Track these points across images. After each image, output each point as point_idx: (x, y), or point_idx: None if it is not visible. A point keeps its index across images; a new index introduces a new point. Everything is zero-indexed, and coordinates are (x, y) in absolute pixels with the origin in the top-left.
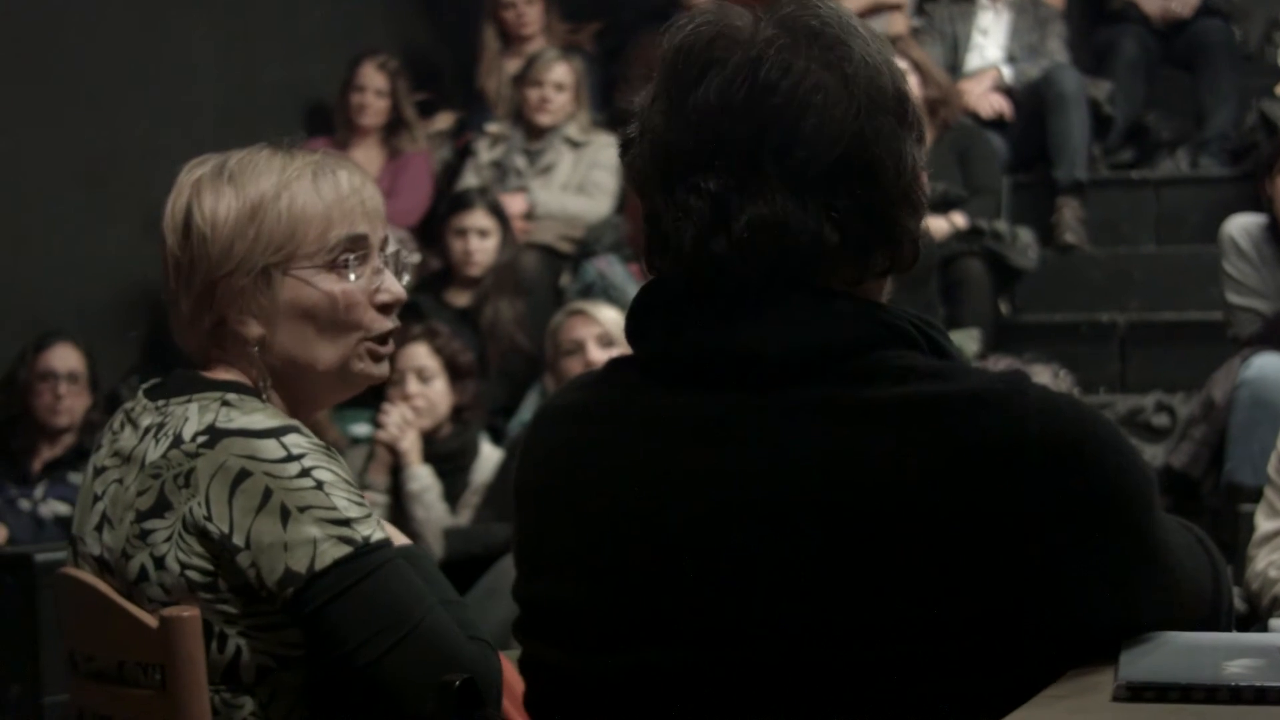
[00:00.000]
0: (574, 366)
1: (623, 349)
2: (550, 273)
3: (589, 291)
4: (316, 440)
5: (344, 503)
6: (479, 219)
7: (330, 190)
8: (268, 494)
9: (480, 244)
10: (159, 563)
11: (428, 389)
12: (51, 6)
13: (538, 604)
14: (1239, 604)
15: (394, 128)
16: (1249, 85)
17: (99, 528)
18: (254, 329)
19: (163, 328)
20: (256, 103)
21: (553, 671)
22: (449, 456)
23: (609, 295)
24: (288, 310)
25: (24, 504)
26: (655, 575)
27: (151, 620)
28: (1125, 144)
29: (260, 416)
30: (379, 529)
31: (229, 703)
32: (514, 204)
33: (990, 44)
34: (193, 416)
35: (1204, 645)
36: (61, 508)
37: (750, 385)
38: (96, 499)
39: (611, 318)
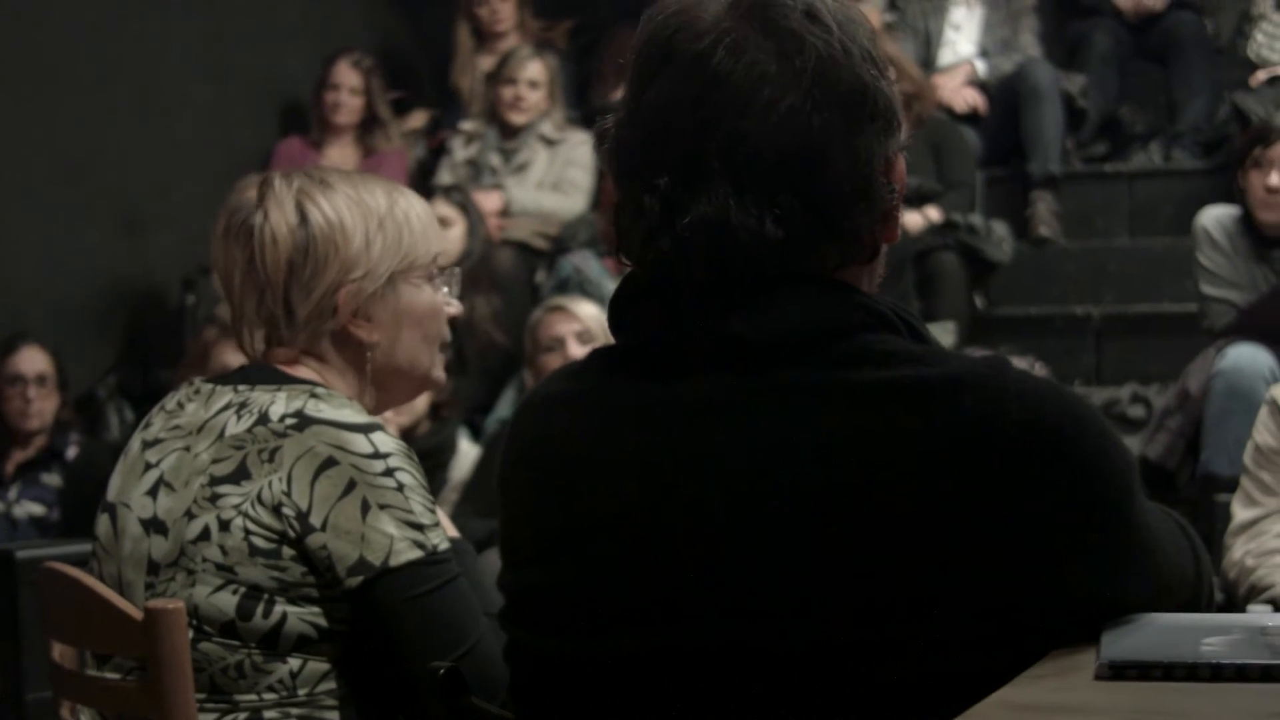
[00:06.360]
0: (554, 362)
1: (601, 344)
2: (526, 269)
3: (564, 287)
4: (399, 441)
5: (419, 508)
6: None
7: (421, 207)
8: (351, 485)
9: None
10: (224, 525)
11: None
12: (27, 5)
13: (523, 592)
14: (1217, 594)
15: (369, 126)
16: (1221, 78)
17: (151, 493)
18: (374, 333)
19: (138, 327)
20: (233, 101)
21: (538, 659)
22: (427, 453)
23: (585, 291)
24: (405, 315)
25: None
26: (640, 560)
27: (136, 613)
28: (1099, 137)
29: (349, 411)
30: (445, 539)
31: (259, 667)
32: (489, 201)
33: (963, 39)
34: (280, 401)
35: (1185, 625)
36: (35, 508)
37: (732, 370)
38: (149, 467)
39: (591, 313)
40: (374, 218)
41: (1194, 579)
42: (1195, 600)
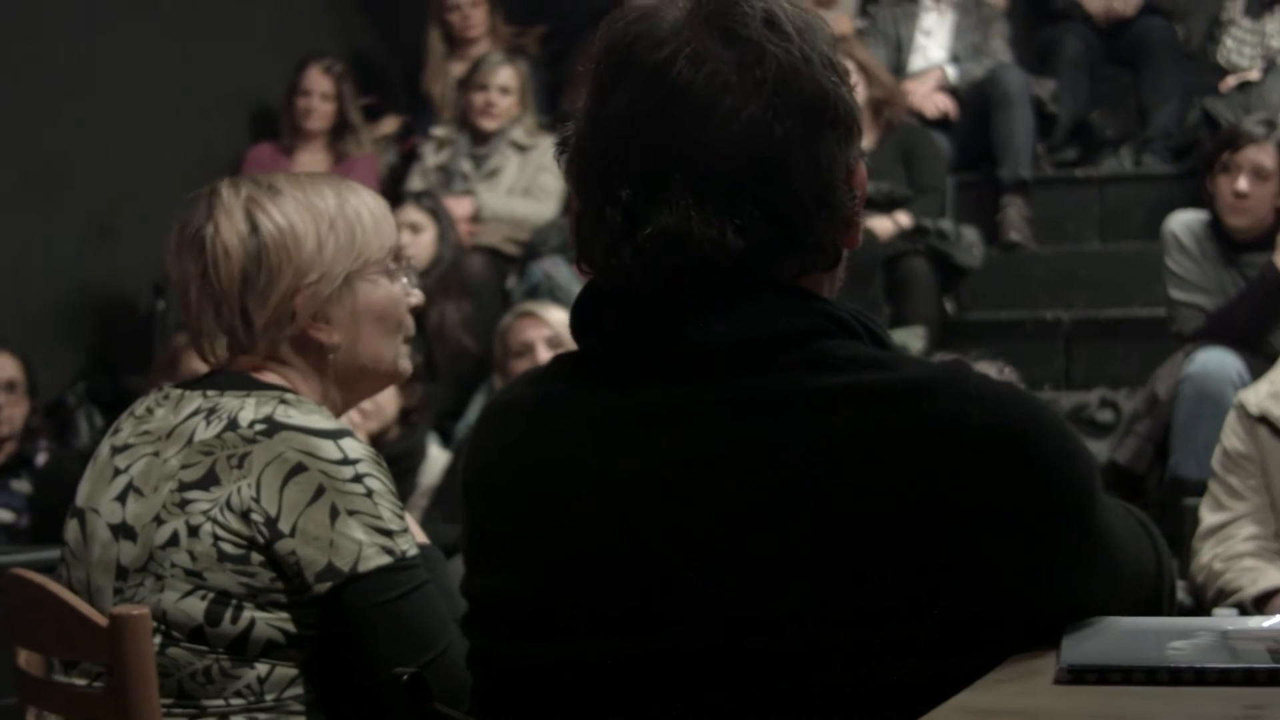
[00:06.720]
0: (523, 368)
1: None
2: (497, 275)
3: (535, 293)
4: (368, 447)
5: (388, 514)
6: (409, 214)
7: (374, 202)
8: (320, 490)
9: (412, 239)
10: (193, 531)
11: None
12: None
13: (486, 598)
14: (1185, 597)
15: (340, 132)
16: (1191, 83)
17: (121, 498)
18: (334, 335)
19: (108, 333)
20: (204, 107)
21: (502, 664)
22: (396, 459)
23: (555, 296)
24: (364, 314)
25: None
26: (603, 566)
27: (101, 619)
28: (1069, 142)
29: (318, 417)
30: (414, 545)
31: (227, 672)
32: (460, 207)
33: (934, 44)
34: (249, 407)
35: (1145, 629)
36: (4, 515)
37: (695, 377)
38: (119, 472)
39: (560, 319)
40: (324, 220)
41: (1155, 577)
42: (1157, 598)
